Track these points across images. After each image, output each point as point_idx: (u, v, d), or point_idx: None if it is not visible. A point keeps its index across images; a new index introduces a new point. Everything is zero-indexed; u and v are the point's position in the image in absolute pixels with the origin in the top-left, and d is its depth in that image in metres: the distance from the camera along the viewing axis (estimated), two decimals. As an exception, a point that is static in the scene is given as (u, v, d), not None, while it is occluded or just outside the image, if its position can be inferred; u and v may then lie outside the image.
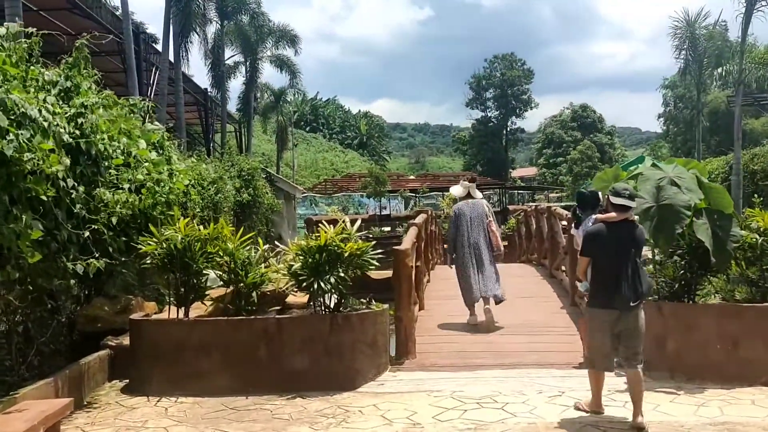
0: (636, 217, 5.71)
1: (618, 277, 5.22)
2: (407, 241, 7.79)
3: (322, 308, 6.82)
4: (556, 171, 60.08)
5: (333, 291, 6.67)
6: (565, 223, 11.06)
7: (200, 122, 27.53)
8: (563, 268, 10.71)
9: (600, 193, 6.77)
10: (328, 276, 6.56)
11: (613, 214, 5.39)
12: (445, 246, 10.00)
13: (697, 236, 6.15)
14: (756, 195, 11.18)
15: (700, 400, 5.63)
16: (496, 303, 8.69)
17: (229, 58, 31.26)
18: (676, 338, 6.30)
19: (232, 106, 36.01)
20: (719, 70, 17.56)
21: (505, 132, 70.29)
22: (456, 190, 9.46)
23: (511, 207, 40.28)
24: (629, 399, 5.62)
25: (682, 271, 6.55)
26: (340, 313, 6.70)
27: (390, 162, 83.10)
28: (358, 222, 7.20)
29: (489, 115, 70.44)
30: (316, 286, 6.54)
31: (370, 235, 26.32)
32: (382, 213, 37.24)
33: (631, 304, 5.23)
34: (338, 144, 75.34)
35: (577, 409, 5.61)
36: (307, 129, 74.94)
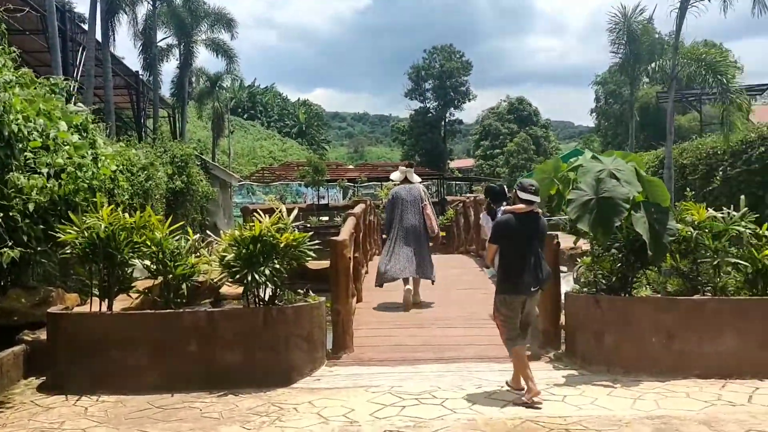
0: (540, 210, 6.09)
1: (523, 264, 5.71)
2: (345, 232, 7.58)
3: (256, 301, 6.57)
4: (493, 162, 60.80)
5: (268, 283, 6.42)
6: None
7: (131, 106, 26.56)
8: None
9: (506, 187, 7.17)
10: (262, 268, 6.32)
11: (521, 206, 5.85)
12: (384, 236, 9.86)
13: (635, 229, 6.13)
14: (688, 189, 11.40)
15: (636, 393, 5.61)
16: (432, 283, 9.32)
17: (161, 40, 30.29)
18: (613, 332, 6.28)
19: (166, 91, 35.02)
20: (653, 64, 17.83)
21: (443, 123, 70.64)
22: (395, 175, 9.82)
23: (449, 198, 40.49)
24: (568, 394, 5.63)
25: (619, 265, 6.54)
26: (275, 306, 6.46)
27: (329, 151, 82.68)
28: (295, 212, 6.97)
29: (428, 105, 70.65)
30: (249, 278, 6.28)
31: (308, 225, 26.04)
32: (320, 202, 37.01)
33: (532, 289, 5.76)
34: (276, 132, 74.54)
35: (510, 387, 5.90)
36: (245, 116, 73.93)
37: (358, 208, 10.04)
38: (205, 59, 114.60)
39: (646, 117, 49.51)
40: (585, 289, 6.86)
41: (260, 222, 6.49)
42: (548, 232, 6.96)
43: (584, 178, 6.38)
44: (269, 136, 71.67)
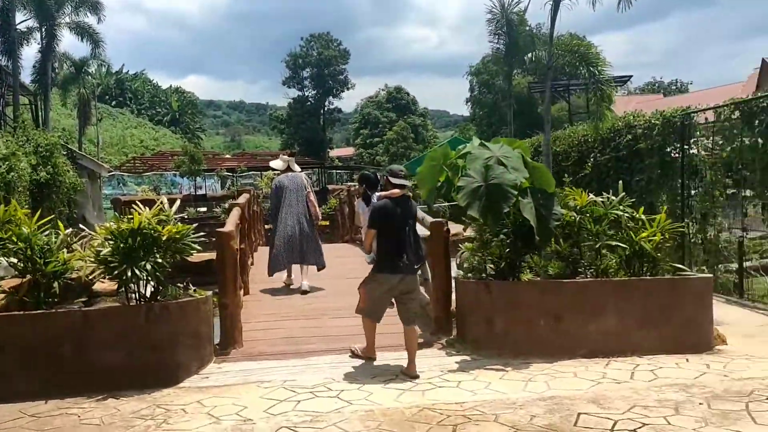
0: (410, 193, 6.51)
1: (402, 245, 6.07)
2: (230, 223, 7.29)
3: (137, 298, 6.20)
4: (373, 151, 61.22)
5: (149, 279, 6.07)
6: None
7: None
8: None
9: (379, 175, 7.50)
10: (143, 262, 5.95)
11: (396, 190, 6.20)
12: (267, 226, 9.67)
13: (523, 215, 6.26)
14: (566, 175, 11.86)
15: (527, 376, 5.74)
16: (318, 270, 9.47)
17: (21, 23, 28.20)
18: (503, 316, 6.40)
19: (27, 77, 32.59)
20: (530, 55, 18.39)
21: (322, 112, 70.40)
22: (277, 164, 9.86)
23: (330, 187, 40.33)
24: (462, 379, 5.67)
25: (507, 250, 6.67)
26: (158, 302, 6.11)
27: (204, 140, 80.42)
28: (177, 203, 6.63)
29: (306, 94, 70.14)
30: (129, 273, 5.89)
31: (185, 216, 25.18)
32: (198, 193, 35.83)
33: (415, 267, 6.18)
34: (148, 120, 71.60)
35: (354, 355, 6.52)
36: (113, 104, 70.47)
37: (243, 199, 9.72)
38: (70, 44, 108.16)
39: (518, 106, 51.47)
40: (470, 275, 6.94)
41: (140, 214, 6.12)
42: (435, 220, 7.03)
43: (473, 165, 6.44)
44: (140, 125, 68.70)
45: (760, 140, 9.10)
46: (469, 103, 60.40)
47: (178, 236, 6.18)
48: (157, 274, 6.06)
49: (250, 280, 9.55)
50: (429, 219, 7.40)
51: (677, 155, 12.28)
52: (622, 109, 16.50)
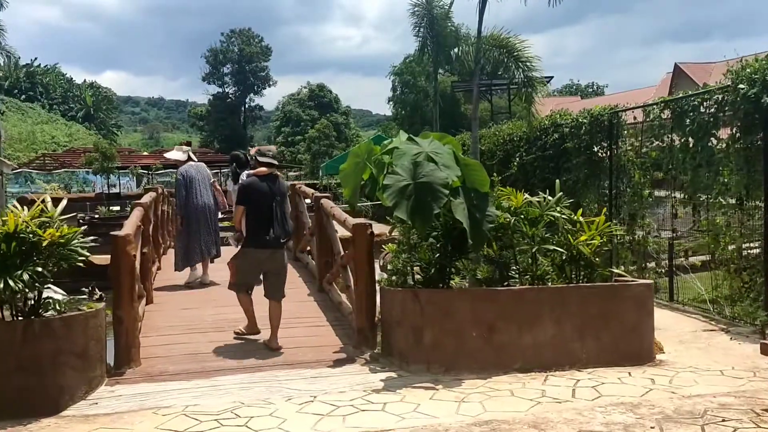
0: (279, 173, 6.91)
1: (270, 220, 6.38)
2: (129, 225, 6.47)
3: (13, 312, 5.34)
4: (295, 149, 60.14)
5: (27, 290, 5.22)
6: (309, 201, 10.41)
7: None
8: (309, 249, 10.05)
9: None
10: (20, 272, 5.10)
11: (263, 168, 6.57)
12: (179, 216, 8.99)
13: (455, 216, 5.71)
14: (494, 174, 11.45)
15: (460, 395, 5.18)
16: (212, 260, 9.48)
17: None
18: (432, 328, 5.82)
19: None
20: (456, 50, 17.91)
21: (243, 109, 68.87)
22: (176, 155, 9.48)
23: (250, 185, 39.30)
24: (388, 401, 5.08)
25: (437, 254, 6.11)
26: (39, 318, 5.28)
27: (121, 137, 77.43)
28: (64, 202, 5.77)
29: (227, 90, 68.48)
30: (2, 284, 5.03)
31: (96, 216, 23.77)
32: (111, 191, 34.10)
33: (282, 240, 6.54)
34: (60, 116, 68.31)
35: (238, 334, 6.82)
36: (23, 98, 66.92)
37: (147, 198, 8.87)
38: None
39: (443, 105, 51.57)
40: (394, 278, 6.34)
41: (16, 215, 5.26)
42: (358, 221, 6.47)
43: (400, 161, 5.85)
44: (51, 120, 65.43)
45: (690, 139, 8.88)
46: (391, 103, 60.20)
47: (62, 241, 5.35)
48: (36, 284, 5.23)
49: (155, 286, 8.72)
50: (351, 220, 6.79)
51: (605, 155, 12.08)
52: (542, 111, 16.27)
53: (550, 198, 6.27)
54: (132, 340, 5.95)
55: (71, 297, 5.98)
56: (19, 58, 52.42)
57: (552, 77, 38.53)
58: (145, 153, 51.20)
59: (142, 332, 6.76)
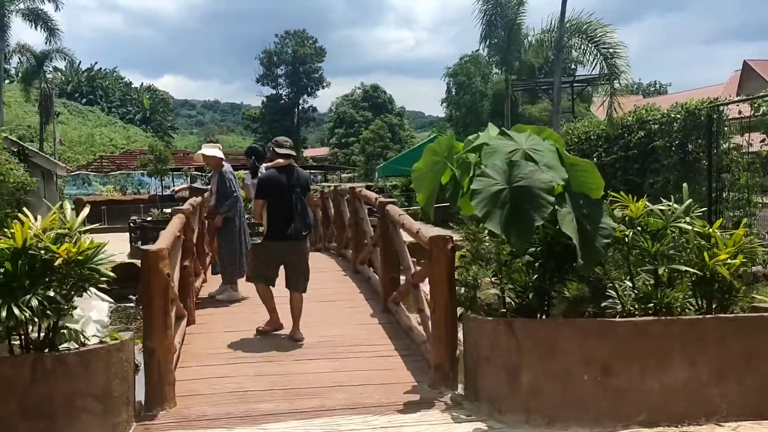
0: (296, 164, 6.69)
1: (290, 213, 6.25)
2: (165, 238, 5.47)
3: (23, 345, 4.42)
4: (349, 151, 59.33)
5: (38, 318, 4.27)
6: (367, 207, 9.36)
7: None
8: (371, 261, 8.97)
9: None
10: (28, 296, 4.17)
11: (281, 160, 6.41)
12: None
13: (561, 229, 4.54)
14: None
15: (572, 458, 4.02)
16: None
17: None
18: (532, 368, 4.65)
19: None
20: (530, 37, 16.49)
21: (297, 110, 68.44)
22: (214, 151, 8.26)
23: (304, 187, 38.51)
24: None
25: (535, 276, 4.94)
26: (52, 352, 4.34)
27: (177, 139, 78.10)
28: (86, 210, 4.81)
29: (280, 92, 68.13)
30: (5, 313, 4.09)
31: (148, 220, 23.09)
32: (164, 193, 33.68)
33: (303, 233, 6.44)
34: (119, 119, 69.24)
35: (261, 331, 6.62)
36: (83, 101, 68.14)
37: (189, 204, 7.91)
38: (31, 37, 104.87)
39: (498, 106, 50.09)
40: (463, 290, 5.16)
41: (25, 227, 4.32)
42: (438, 234, 5.36)
43: (491, 160, 4.71)
44: (110, 123, 66.36)
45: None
46: (444, 104, 59.02)
47: (81, 258, 4.39)
48: (48, 312, 4.27)
49: (200, 303, 7.78)
50: (427, 231, 5.67)
51: (702, 154, 10.68)
52: (602, 112, 14.86)
53: (676, 206, 5.02)
54: (165, 375, 4.94)
55: (117, 304, 5.03)
56: (80, 62, 52.96)
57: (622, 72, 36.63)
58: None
59: (181, 360, 5.80)
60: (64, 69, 67.02)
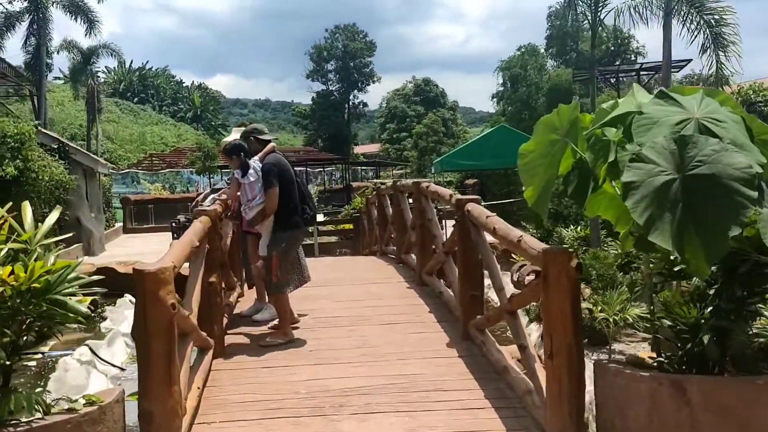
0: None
1: (303, 196, 6.02)
2: (173, 250, 4.00)
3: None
4: (400, 146, 57.70)
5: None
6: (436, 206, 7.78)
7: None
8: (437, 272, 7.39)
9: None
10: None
11: (272, 145, 6.24)
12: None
13: (765, 241, 2.91)
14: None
15: None
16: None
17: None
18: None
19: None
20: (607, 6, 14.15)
21: (347, 106, 67.13)
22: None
23: (354, 184, 37.19)
24: None
25: (710, 309, 3.32)
26: (-3, 423, 2.94)
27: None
28: (54, 216, 3.39)
29: (330, 88, 66.90)
30: None
31: (192, 218, 21.95)
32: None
33: (313, 219, 6.31)
34: (170, 117, 69.23)
35: (268, 343, 5.68)
36: (135, 100, 68.31)
37: (215, 202, 6.46)
38: (80, 35, 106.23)
39: (555, 99, 48.02)
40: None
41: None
42: (554, 247, 3.70)
43: (648, 137, 3.11)
44: (161, 121, 66.34)
45: None
46: (495, 99, 56.98)
47: (38, 286, 2.97)
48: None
49: (233, 323, 6.32)
50: (534, 243, 4.05)
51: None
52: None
53: None
54: (169, 448, 3.47)
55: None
56: (132, 62, 52.73)
57: (690, 60, 33.98)
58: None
59: (200, 413, 4.33)
60: (115, 68, 67.38)
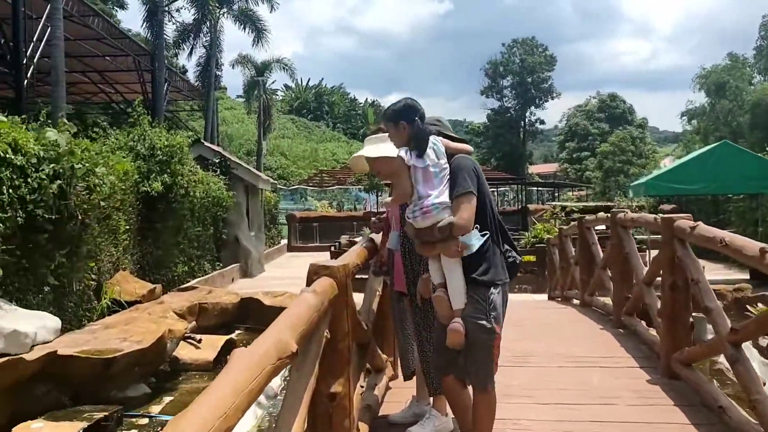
0: None
1: (504, 233, 3.62)
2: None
3: None
4: (581, 166, 53.65)
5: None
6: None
7: (142, 91, 21.73)
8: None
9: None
10: None
11: (470, 148, 3.94)
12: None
13: None
14: None
15: None
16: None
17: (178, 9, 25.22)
18: None
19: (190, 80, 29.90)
20: None
21: (523, 124, 64.00)
22: (387, 149, 3.97)
23: (531, 207, 34.26)
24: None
25: None
26: None
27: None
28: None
29: (506, 105, 64.11)
30: None
31: (360, 238, 20.36)
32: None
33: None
34: (342, 134, 70.00)
35: None
36: (309, 117, 69.81)
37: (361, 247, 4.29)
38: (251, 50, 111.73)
39: (759, 116, 42.29)
40: None
41: None
42: None
43: None
44: (334, 138, 67.18)
45: None
46: (684, 117, 51.19)
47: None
48: None
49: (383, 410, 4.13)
50: None
51: None
52: None
53: None
54: None
55: None
56: (309, 80, 53.30)
57: None
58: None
59: None
60: (293, 86, 69.14)
